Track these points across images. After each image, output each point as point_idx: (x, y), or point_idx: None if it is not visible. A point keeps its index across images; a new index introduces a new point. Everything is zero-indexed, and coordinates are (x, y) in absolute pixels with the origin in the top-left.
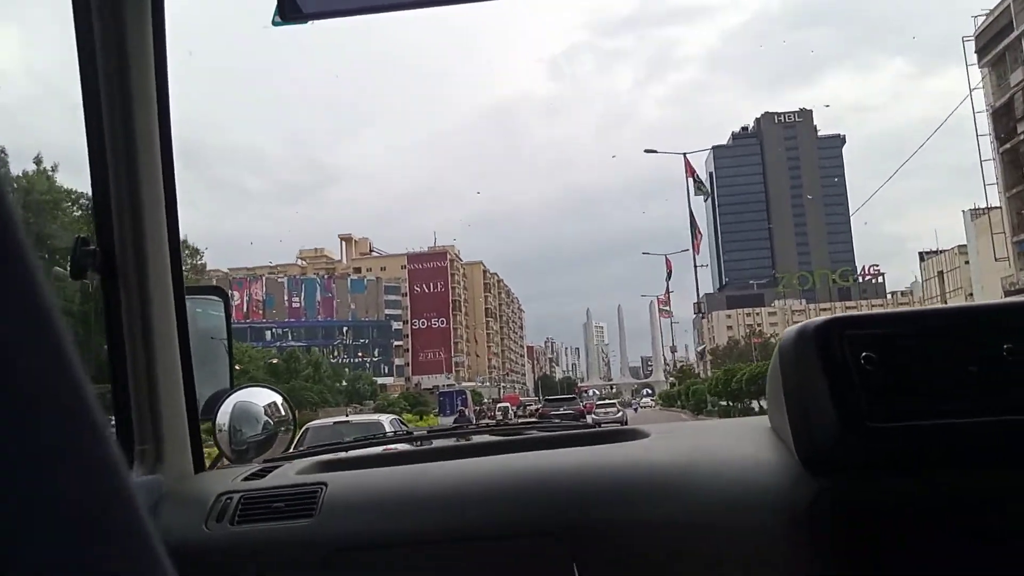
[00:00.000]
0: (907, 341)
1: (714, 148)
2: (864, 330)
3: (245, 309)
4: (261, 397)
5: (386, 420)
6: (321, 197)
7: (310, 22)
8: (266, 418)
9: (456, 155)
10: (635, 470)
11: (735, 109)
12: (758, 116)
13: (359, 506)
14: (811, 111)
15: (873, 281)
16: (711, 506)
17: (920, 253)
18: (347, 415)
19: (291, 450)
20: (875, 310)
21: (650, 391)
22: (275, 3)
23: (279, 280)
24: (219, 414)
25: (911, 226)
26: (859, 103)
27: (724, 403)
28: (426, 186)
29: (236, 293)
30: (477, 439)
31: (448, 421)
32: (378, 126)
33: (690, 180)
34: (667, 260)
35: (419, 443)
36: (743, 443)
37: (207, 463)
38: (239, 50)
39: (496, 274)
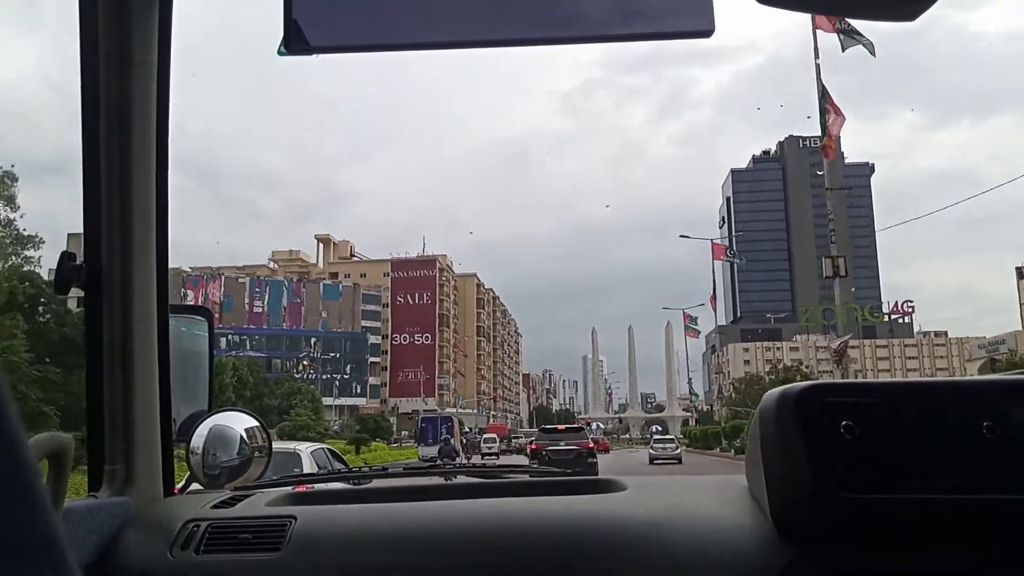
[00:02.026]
0: (888, 412)
1: (733, 172)
2: (845, 398)
3: (190, 304)
4: (239, 422)
5: (306, 450)
6: (330, 217)
7: (316, 55)
8: (242, 444)
9: (465, 184)
10: (612, 524)
11: (746, 150)
12: (781, 140)
13: (328, 542)
14: (839, 136)
15: (901, 320)
16: (685, 565)
17: (1018, 268)
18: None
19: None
20: (858, 379)
21: (659, 428)
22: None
23: (240, 281)
24: (194, 436)
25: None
26: (866, 152)
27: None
28: (432, 213)
29: (190, 292)
30: (456, 481)
31: (431, 452)
32: (389, 151)
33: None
34: (712, 245)
35: (397, 479)
36: (720, 503)
37: (180, 484)
38: (263, 73)
39: (492, 290)
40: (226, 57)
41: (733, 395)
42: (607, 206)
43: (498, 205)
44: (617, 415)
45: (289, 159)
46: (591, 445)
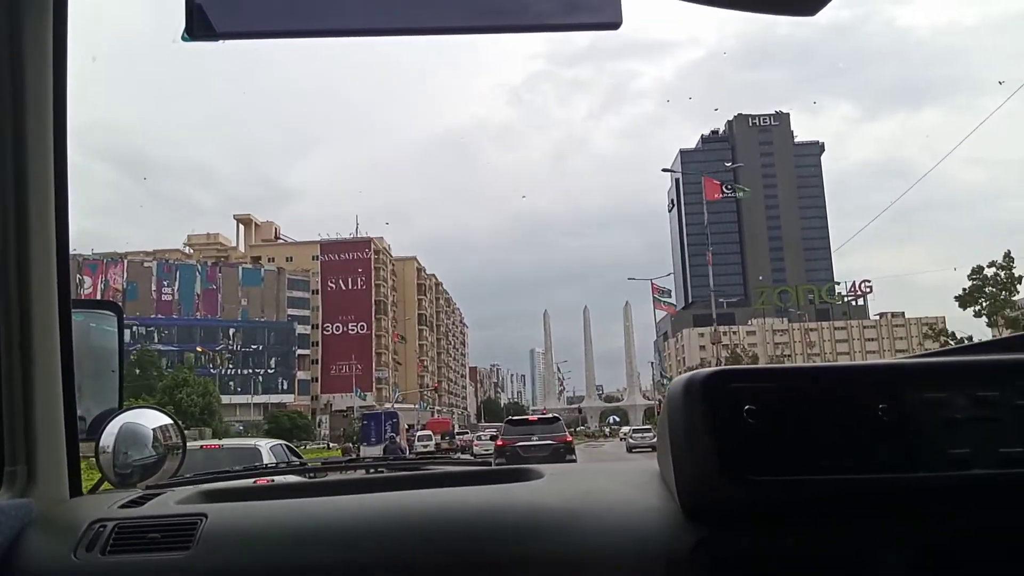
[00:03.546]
0: (790, 396)
1: (681, 152)
2: (749, 383)
3: (99, 299)
4: (151, 419)
5: (265, 446)
6: (270, 213)
7: (222, 41)
8: (154, 442)
9: (408, 177)
10: (528, 511)
11: (687, 143)
12: (730, 118)
13: (239, 540)
14: (788, 114)
15: (854, 303)
16: (597, 549)
17: None
18: (219, 439)
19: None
20: (760, 364)
21: (616, 419)
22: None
23: (146, 265)
24: (104, 435)
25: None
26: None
27: None
28: (375, 206)
29: (87, 278)
30: (371, 474)
31: (375, 451)
32: (329, 144)
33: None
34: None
35: (312, 475)
36: (632, 488)
37: (93, 485)
38: (194, 64)
39: (434, 275)
40: (160, 48)
41: (662, 385)
42: (523, 196)
43: (441, 197)
44: (575, 405)
45: (225, 153)
46: (569, 439)
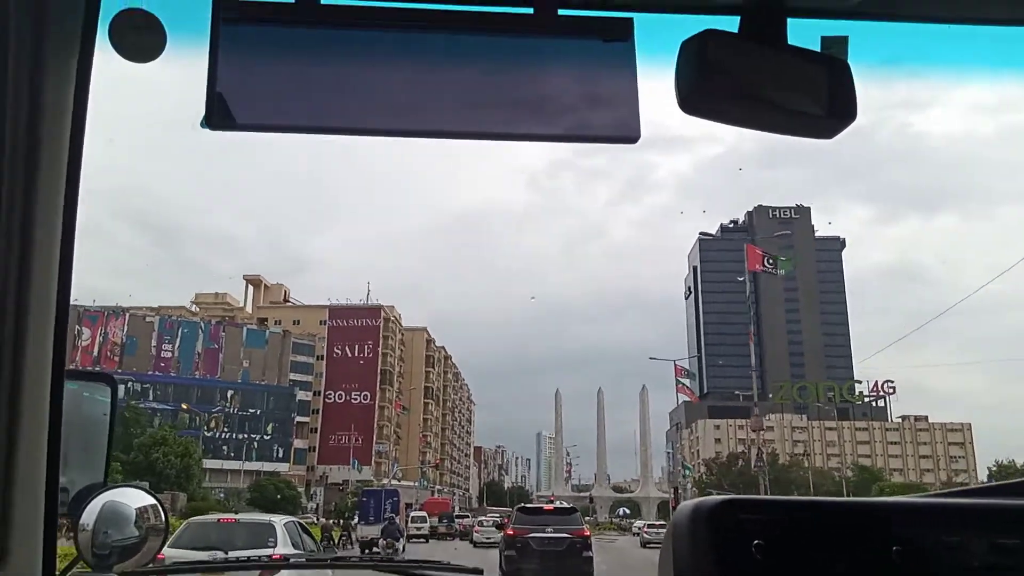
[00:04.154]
0: (800, 532)
1: (700, 238)
2: (758, 515)
3: (95, 353)
4: (134, 499)
5: (280, 523)
6: (288, 284)
7: (241, 132)
8: (136, 522)
9: (424, 255)
10: None
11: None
12: (750, 209)
13: None
14: (808, 208)
15: (874, 404)
16: None
17: None
18: (235, 512)
19: (156, 558)
20: (770, 496)
21: (627, 511)
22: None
23: (148, 320)
24: (85, 512)
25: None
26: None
27: None
28: (389, 284)
29: (87, 330)
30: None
31: (372, 532)
32: (348, 222)
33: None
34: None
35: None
36: None
37: (67, 566)
38: (222, 142)
39: (443, 347)
40: (193, 125)
41: (705, 476)
42: (532, 298)
43: (455, 277)
44: (584, 493)
45: (251, 227)
46: (587, 533)
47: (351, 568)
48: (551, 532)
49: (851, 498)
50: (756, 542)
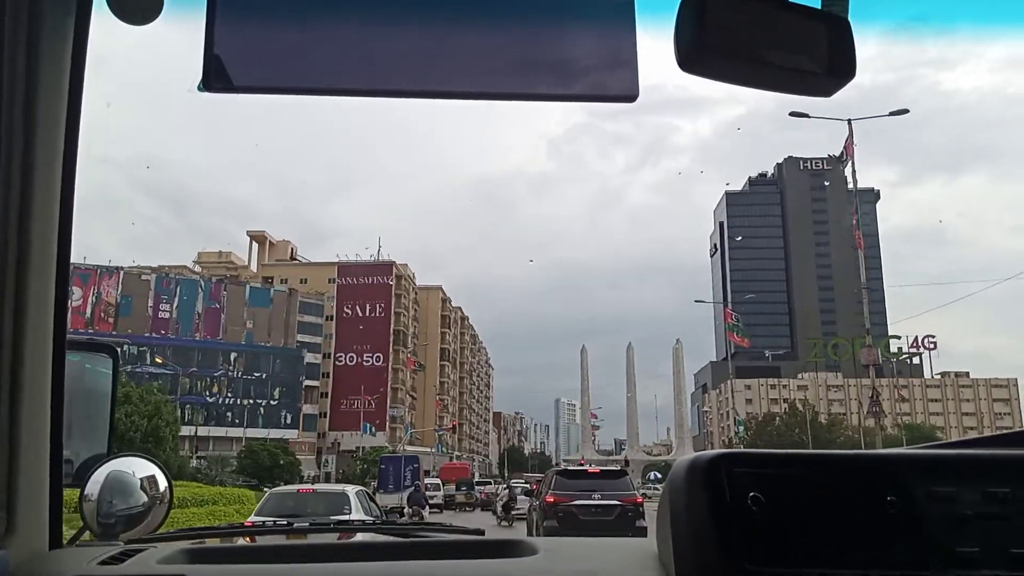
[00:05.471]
0: (795, 484)
1: (727, 194)
2: (753, 469)
3: (88, 314)
4: (139, 468)
5: (352, 492)
6: (307, 253)
7: (239, 94)
8: (141, 491)
9: (444, 222)
10: None
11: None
12: (780, 161)
13: None
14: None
15: (910, 361)
16: None
17: None
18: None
19: (219, 524)
20: (766, 450)
21: (658, 475)
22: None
23: (144, 278)
24: (90, 482)
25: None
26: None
27: None
28: (409, 249)
29: (77, 289)
30: (361, 539)
31: (393, 500)
32: (369, 188)
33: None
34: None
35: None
36: (629, 568)
37: (74, 535)
38: (245, 106)
39: (460, 308)
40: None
41: (735, 437)
42: (531, 260)
43: (475, 243)
44: (616, 457)
45: (269, 193)
46: (639, 499)
47: (363, 530)
48: (598, 498)
49: (844, 451)
50: (752, 494)
